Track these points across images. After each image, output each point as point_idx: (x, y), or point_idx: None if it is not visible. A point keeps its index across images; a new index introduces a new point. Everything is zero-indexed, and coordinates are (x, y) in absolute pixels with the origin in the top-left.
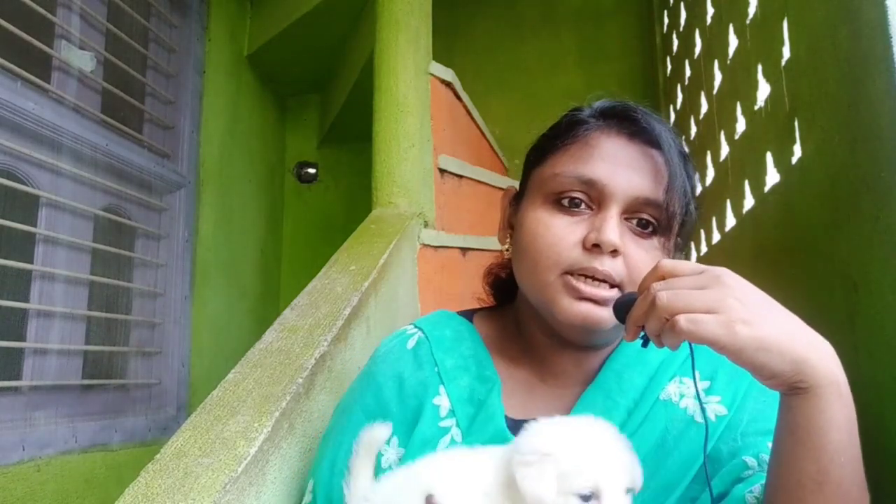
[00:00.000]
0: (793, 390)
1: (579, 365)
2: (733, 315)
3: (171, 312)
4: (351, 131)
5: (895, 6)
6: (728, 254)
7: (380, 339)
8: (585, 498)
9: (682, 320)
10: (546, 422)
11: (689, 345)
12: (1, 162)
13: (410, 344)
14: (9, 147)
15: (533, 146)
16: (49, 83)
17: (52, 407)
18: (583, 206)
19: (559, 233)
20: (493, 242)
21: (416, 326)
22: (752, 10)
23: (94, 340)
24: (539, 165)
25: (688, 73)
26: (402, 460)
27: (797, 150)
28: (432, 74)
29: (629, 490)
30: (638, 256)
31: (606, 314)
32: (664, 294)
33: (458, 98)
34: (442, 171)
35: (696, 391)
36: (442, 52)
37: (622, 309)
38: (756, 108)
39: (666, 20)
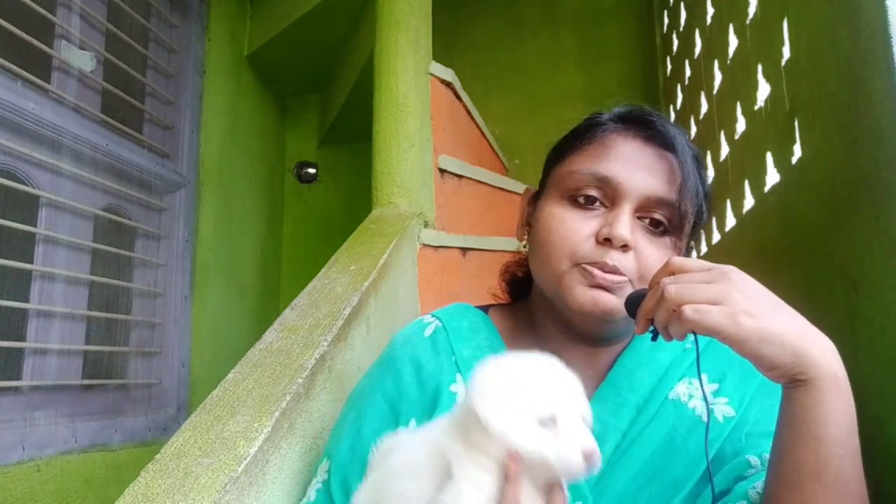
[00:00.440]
0: (793, 382)
1: (591, 361)
2: (737, 307)
3: (171, 312)
4: (351, 131)
5: (895, 6)
6: (728, 254)
7: (380, 339)
8: (544, 422)
9: (688, 310)
10: (497, 357)
11: (696, 343)
12: (1, 162)
13: (428, 332)
14: (9, 147)
15: (553, 147)
16: (49, 83)
17: (52, 407)
18: (597, 203)
19: (573, 226)
20: (493, 242)
21: (433, 316)
22: (752, 10)
23: (94, 340)
24: (557, 164)
25: (688, 73)
26: None
27: (797, 150)
28: (432, 74)
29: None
30: (649, 253)
31: (617, 301)
32: (672, 287)
33: (458, 98)
34: (442, 171)
35: (703, 391)
36: (442, 52)
37: (633, 304)
38: (756, 108)
39: (666, 20)
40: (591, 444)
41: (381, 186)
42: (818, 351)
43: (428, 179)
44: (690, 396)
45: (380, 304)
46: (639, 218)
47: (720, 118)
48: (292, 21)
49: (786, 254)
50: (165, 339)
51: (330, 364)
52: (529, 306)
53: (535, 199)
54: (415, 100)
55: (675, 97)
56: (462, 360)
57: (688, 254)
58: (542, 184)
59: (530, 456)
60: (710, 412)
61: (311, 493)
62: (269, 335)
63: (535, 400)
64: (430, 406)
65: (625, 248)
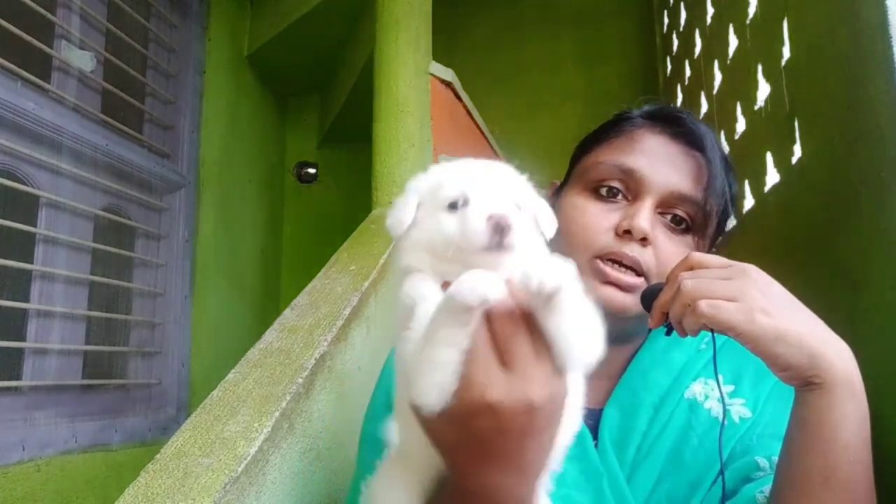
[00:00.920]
0: (807, 385)
1: (605, 361)
2: (754, 304)
3: (171, 312)
4: (351, 131)
5: (895, 6)
6: (728, 254)
7: (380, 339)
8: (454, 205)
9: (703, 304)
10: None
11: (713, 341)
12: (1, 162)
13: None
14: (9, 147)
15: (581, 140)
16: (49, 83)
17: (52, 407)
18: (619, 195)
19: (593, 218)
20: None
21: None
22: (752, 10)
23: (94, 340)
24: (584, 156)
25: (688, 73)
26: None
27: (797, 150)
28: (432, 74)
29: (518, 204)
30: (668, 249)
31: (630, 300)
32: (689, 282)
33: (458, 98)
34: None
35: (720, 392)
36: (442, 52)
37: (649, 297)
38: (756, 108)
39: (666, 20)
40: (497, 210)
41: (381, 186)
42: (835, 354)
43: None
44: (706, 397)
45: (380, 304)
46: (661, 213)
47: (720, 118)
48: (292, 21)
49: (786, 254)
50: (165, 339)
51: (330, 364)
52: None
53: (558, 191)
54: (415, 100)
55: (675, 97)
56: None
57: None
58: (568, 175)
59: (435, 242)
60: (726, 412)
61: None
62: (269, 335)
63: (440, 187)
64: None
65: (644, 241)
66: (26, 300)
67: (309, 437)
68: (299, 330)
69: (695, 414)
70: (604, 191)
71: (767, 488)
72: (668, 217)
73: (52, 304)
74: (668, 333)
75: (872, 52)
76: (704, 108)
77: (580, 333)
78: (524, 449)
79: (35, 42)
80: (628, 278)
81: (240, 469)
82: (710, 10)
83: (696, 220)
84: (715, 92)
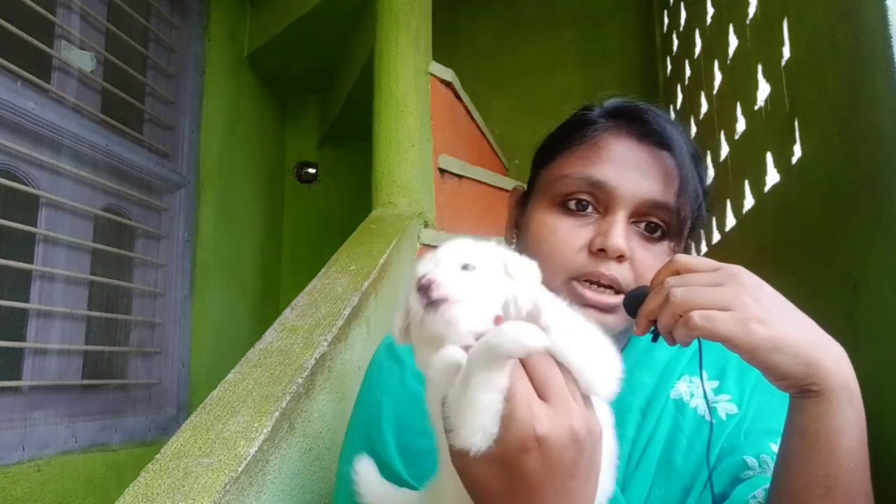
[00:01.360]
0: (804, 393)
1: None
2: (749, 313)
3: (171, 312)
4: (351, 131)
5: (895, 6)
6: (728, 254)
7: (380, 339)
8: (423, 288)
9: (697, 316)
10: None
11: (699, 344)
12: (1, 162)
13: None
14: (9, 147)
15: (541, 145)
16: (49, 83)
17: (52, 407)
18: (590, 208)
19: (564, 237)
20: None
21: None
22: (752, 10)
23: (94, 340)
24: (547, 165)
25: (688, 73)
26: None
27: (797, 150)
28: (432, 74)
29: (465, 265)
30: (645, 262)
31: (612, 320)
32: (679, 290)
33: (458, 98)
34: (442, 171)
35: (704, 391)
36: (442, 52)
37: (633, 303)
38: (756, 108)
39: (666, 20)
40: (420, 272)
41: (381, 186)
42: (832, 361)
43: (428, 179)
44: (692, 395)
45: (380, 304)
46: (634, 223)
47: (720, 118)
48: (292, 21)
49: (786, 254)
50: (165, 339)
51: (330, 364)
52: None
53: (523, 199)
54: (415, 100)
55: (675, 97)
56: None
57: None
58: (531, 184)
59: (413, 332)
60: (712, 412)
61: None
62: (269, 335)
63: (415, 274)
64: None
65: (620, 258)
66: (26, 300)
67: (309, 437)
68: (299, 330)
69: (682, 414)
70: (572, 205)
71: (759, 492)
72: (643, 226)
73: (52, 304)
74: (655, 340)
75: (872, 52)
76: (704, 108)
77: (592, 361)
78: (569, 492)
79: (35, 42)
80: (608, 299)
81: (240, 469)
82: (710, 10)
83: (672, 226)
84: (715, 92)
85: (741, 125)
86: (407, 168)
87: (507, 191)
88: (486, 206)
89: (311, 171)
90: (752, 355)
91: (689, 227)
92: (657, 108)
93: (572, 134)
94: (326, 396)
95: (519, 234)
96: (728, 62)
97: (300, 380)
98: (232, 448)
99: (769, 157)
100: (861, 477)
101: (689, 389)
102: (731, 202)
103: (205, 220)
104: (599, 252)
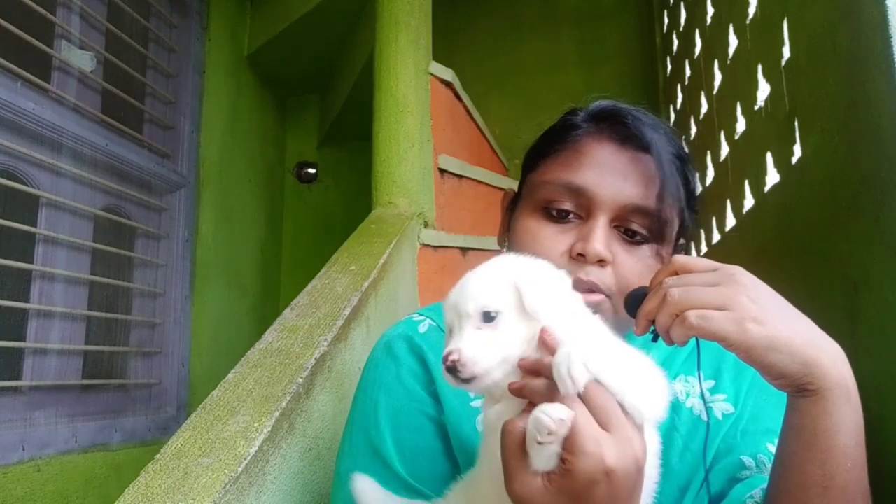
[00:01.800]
0: (800, 392)
1: None
2: (745, 313)
3: (171, 312)
4: (351, 131)
5: (895, 6)
6: (728, 254)
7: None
8: (451, 370)
9: (693, 316)
10: None
11: (697, 345)
12: (1, 162)
13: (422, 329)
14: (9, 147)
15: (529, 149)
16: (49, 83)
17: (52, 407)
18: (571, 215)
19: (546, 243)
20: (493, 243)
21: (422, 314)
22: (752, 10)
23: (94, 340)
24: (533, 170)
25: (688, 73)
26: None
27: (797, 150)
28: (432, 74)
29: (486, 313)
30: (628, 266)
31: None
32: (675, 290)
33: (458, 98)
34: (442, 171)
35: (701, 390)
36: (442, 52)
37: (633, 303)
38: (756, 108)
39: (666, 20)
40: (444, 351)
41: (381, 186)
42: (828, 360)
43: (428, 179)
44: (688, 395)
45: (380, 304)
46: (616, 227)
47: (720, 118)
48: (292, 21)
49: (786, 254)
50: (165, 339)
51: (330, 364)
52: None
53: (513, 204)
54: (415, 100)
55: (675, 97)
56: None
57: (685, 253)
58: (521, 187)
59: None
60: (709, 413)
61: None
62: (269, 335)
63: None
64: (433, 396)
65: (601, 262)
66: (26, 300)
67: (309, 437)
68: (299, 330)
69: (677, 414)
70: (554, 211)
71: (757, 492)
72: (623, 230)
73: (52, 304)
74: (655, 340)
75: (872, 52)
76: (704, 108)
77: (637, 387)
78: None
79: (35, 42)
80: (588, 298)
81: (240, 469)
82: (710, 10)
83: (653, 230)
84: (715, 92)
85: (741, 125)
86: (407, 168)
87: (506, 191)
88: (485, 206)
89: (311, 171)
90: (749, 354)
91: (673, 228)
92: (642, 111)
93: (556, 139)
94: (326, 396)
95: (509, 237)
96: (728, 62)
97: (300, 380)
98: (232, 448)
99: (769, 157)
100: (859, 476)
101: (685, 389)
102: (731, 202)
103: (205, 220)
104: (579, 257)
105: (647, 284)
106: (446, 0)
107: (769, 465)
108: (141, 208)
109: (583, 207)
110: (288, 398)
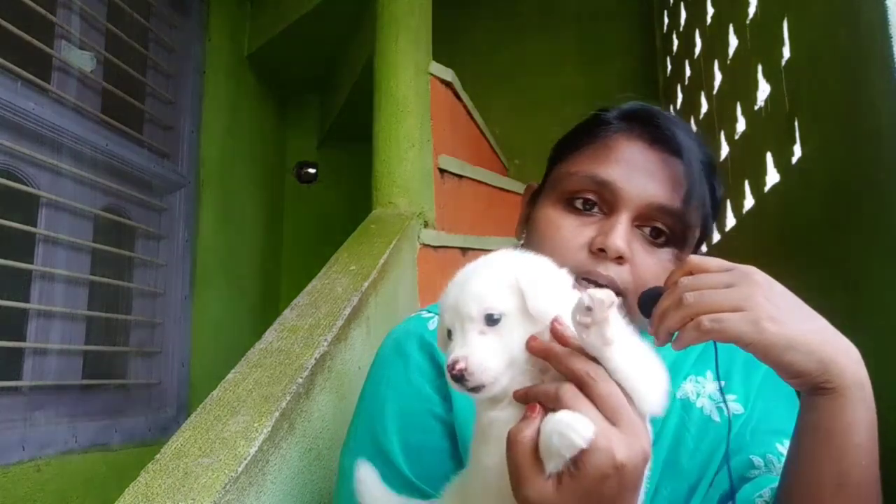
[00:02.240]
0: (817, 391)
1: None
2: (761, 312)
3: (171, 312)
4: (351, 131)
5: (895, 6)
6: (728, 254)
7: (380, 339)
8: (457, 379)
9: (706, 321)
10: None
11: (715, 346)
12: (1, 162)
13: (432, 326)
14: (9, 147)
15: (557, 143)
16: (49, 83)
17: (52, 407)
18: (595, 208)
19: (567, 234)
20: (493, 242)
21: (431, 311)
22: (752, 10)
23: (94, 340)
24: (559, 162)
25: (688, 73)
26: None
27: (797, 150)
28: (432, 74)
29: (489, 315)
30: (646, 265)
31: None
32: (691, 295)
33: (458, 98)
34: (442, 171)
35: (720, 387)
36: (442, 52)
37: (648, 302)
38: (756, 108)
39: (666, 20)
40: (450, 358)
41: (381, 186)
42: (845, 359)
43: (428, 179)
44: (698, 395)
45: (380, 304)
46: (638, 226)
47: (720, 118)
48: (292, 21)
49: (786, 254)
50: (165, 339)
51: (330, 364)
52: None
53: (535, 196)
54: (415, 100)
55: (675, 97)
56: None
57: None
58: (544, 180)
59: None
60: (719, 412)
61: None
62: (269, 335)
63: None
64: (442, 395)
65: (620, 259)
66: (26, 300)
67: (309, 437)
68: (299, 330)
69: (688, 414)
70: (578, 203)
71: (766, 492)
72: (647, 230)
73: (52, 304)
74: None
75: (872, 52)
76: (704, 108)
77: (643, 377)
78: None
79: (35, 42)
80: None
81: (240, 469)
82: (710, 10)
83: (676, 232)
84: (715, 92)
85: (741, 125)
86: (407, 168)
87: (507, 191)
88: (486, 206)
89: (311, 171)
90: (766, 354)
91: (695, 236)
92: (673, 115)
93: (585, 133)
94: (326, 396)
95: (528, 229)
96: (728, 62)
97: (300, 380)
98: (232, 448)
99: (769, 157)
100: (872, 475)
101: (695, 389)
102: (731, 202)
103: (205, 221)
104: (599, 252)
105: (662, 285)
106: (446, 0)
107: (777, 465)
108: (141, 208)
109: (607, 202)
110: (288, 398)
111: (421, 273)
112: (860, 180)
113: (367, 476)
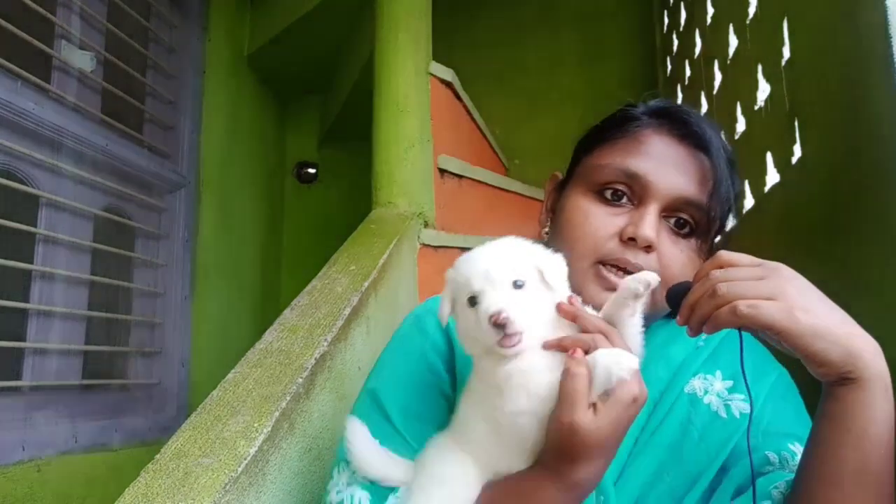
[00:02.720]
0: (841, 381)
1: None
2: (793, 302)
3: (171, 312)
4: (351, 131)
5: (895, 6)
6: None
7: (380, 339)
8: (473, 301)
9: (743, 305)
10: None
11: (740, 336)
12: (1, 162)
13: None
14: (9, 147)
15: (584, 135)
16: (49, 83)
17: (52, 407)
18: (624, 199)
19: (597, 223)
20: None
21: None
22: (752, 10)
23: (95, 340)
24: (587, 154)
25: (688, 73)
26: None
27: (797, 150)
28: (432, 74)
29: (515, 281)
30: (672, 255)
31: None
32: (724, 285)
33: (458, 98)
34: (442, 171)
35: (744, 377)
36: (442, 52)
37: (676, 296)
38: (756, 108)
39: (666, 20)
40: (494, 308)
41: (381, 186)
42: (869, 351)
43: (428, 179)
44: (706, 392)
45: (380, 304)
46: (665, 217)
47: (720, 118)
48: (292, 21)
49: (786, 254)
50: (165, 339)
51: (330, 364)
52: None
53: (561, 186)
54: (415, 100)
55: (675, 97)
56: None
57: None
58: (570, 171)
59: (466, 340)
60: (727, 410)
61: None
62: (269, 335)
63: (463, 285)
64: (453, 375)
65: (649, 248)
66: (26, 300)
67: (309, 437)
68: (299, 330)
69: (695, 408)
70: (608, 194)
71: (782, 483)
72: (673, 221)
73: (52, 304)
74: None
75: (872, 52)
76: (704, 107)
77: (640, 344)
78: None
79: (35, 42)
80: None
81: (240, 469)
82: (710, 10)
83: (701, 224)
84: (715, 92)
85: (741, 125)
86: (407, 168)
87: (507, 191)
88: (486, 206)
89: (311, 171)
90: (796, 342)
91: (716, 228)
92: (698, 113)
93: (615, 127)
94: (326, 396)
95: (553, 217)
96: (728, 62)
97: (300, 380)
98: (232, 448)
99: (769, 157)
100: (889, 463)
101: (703, 386)
102: None
103: (205, 221)
104: (629, 241)
105: (688, 278)
106: (446, 0)
107: (791, 463)
108: (141, 208)
109: (636, 194)
110: (288, 398)
111: (421, 273)
112: (860, 180)
113: (356, 430)
